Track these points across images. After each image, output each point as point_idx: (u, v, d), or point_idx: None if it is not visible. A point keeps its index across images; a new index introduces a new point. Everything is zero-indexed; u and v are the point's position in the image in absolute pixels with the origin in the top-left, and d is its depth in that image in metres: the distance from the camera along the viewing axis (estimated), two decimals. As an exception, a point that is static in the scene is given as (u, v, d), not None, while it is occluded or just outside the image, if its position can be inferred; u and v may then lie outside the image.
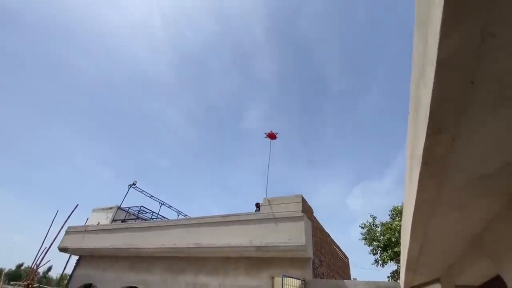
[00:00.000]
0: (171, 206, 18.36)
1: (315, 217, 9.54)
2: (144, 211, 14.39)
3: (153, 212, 14.93)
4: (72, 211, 13.85)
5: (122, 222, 12.96)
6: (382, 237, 14.64)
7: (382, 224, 15.38)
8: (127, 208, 14.32)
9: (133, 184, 15.32)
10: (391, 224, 14.38)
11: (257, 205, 9.84)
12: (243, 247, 8.24)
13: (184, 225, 9.89)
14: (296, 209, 8.32)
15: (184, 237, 9.54)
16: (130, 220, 13.23)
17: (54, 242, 13.40)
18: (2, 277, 11.31)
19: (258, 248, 8.01)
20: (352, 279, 8.29)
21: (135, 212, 14.21)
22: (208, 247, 8.85)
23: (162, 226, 10.42)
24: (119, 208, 14.10)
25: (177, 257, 10.19)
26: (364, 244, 15.46)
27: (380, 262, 14.53)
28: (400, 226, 13.83)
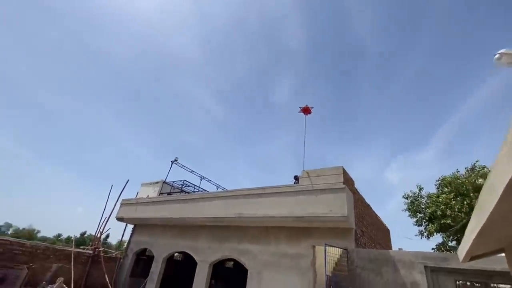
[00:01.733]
0: (210, 180, 19.33)
1: (356, 189, 9.31)
2: (187, 184, 15.37)
3: (195, 185, 15.88)
4: (124, 186, 15.30)
5: (167, 195, 14.04)
6: (427, 209, 13.92)
7: (428, 196, 14.53)
8: (172, 183, 15.39)
9: (175, 160, 16.27)
10: (437, 197, 13.53)
11: (296, 178, 9.87)
12: (283, 217, 8.44)
13: (225, 197, 10.37)
14: (336, 180, 8.16)
15: (225, 208, 10.05)
16: (175, 193, 14.26)
17: (112, 213, 15.13)
18: (73, 243, 13.17)
19: (298, 218, 8.15)
20: (398, 249, 8.11)
21: (179, 186, 15.25)
22: (249, 217, 9.24)
23: (205, 198, 11.05)
24: (164, 182, 15.22)
25: (220, 226, 10.87)
26: (408, 215, 14.90)
27: (425, 234, 13.97)
28: (448, 199, 12.99)
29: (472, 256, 4.28)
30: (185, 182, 15.22)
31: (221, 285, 14.22)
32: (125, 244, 15.62)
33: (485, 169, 13.42)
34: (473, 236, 3.45)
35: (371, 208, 11.04)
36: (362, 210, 9.64)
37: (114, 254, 14.24)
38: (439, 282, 6.22)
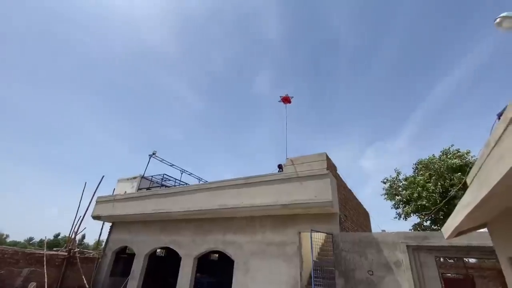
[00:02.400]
0: (191, 174, 18.84)
1: (338, 174, 9.42)
2: (167, 178, 14.82)
3: (176, 179, 15.36)
4: (100, 182, 14.45)
5: (147, 190, 13.46)
6: (404, 191, 14.57)
7: (405, 179, 15.20)
8: (151, 177, 14.77)
9: (153, 154, 15.59)
10: (414, 179, 14.18)
11: (280, 166, 9.78)
12: (269, 205, 8.35)
13: (208, 189, 10.08)
14: (320, 167, 8.16)
15: (209, 200, 9.77)
16: (155, 188, 13.69)
17: (87, 211, 14.28)
18: (45, 245, 12.30)
19: (284, 206, 8.09)
20: (381, 231, 8.35)
21: (159, 180, 14.66)
22: (234, 207, 9.05)
23: (187, 190, 10.68)
24: (142, 177, 14.56)
25: (204, 219, 10.60)
26: (385, 199, 15.53)
27: (402, 215, 14.66)
28: (424, 181, 13.63)
29: (458, 232, 4.41)
30: (165, 176, 14.66)
31: (207, 278, 14.07)
32: (103, 244, 14.89)
33: (459, 152, 14.22)
34: (468, 210, 3.46)
35: (352, 192, 11.28)
36: (345, 195, 9.81)
37: (91, 255, 13.51)
38: (420, 260, 6.47)
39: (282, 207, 8.17)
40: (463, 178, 12.73)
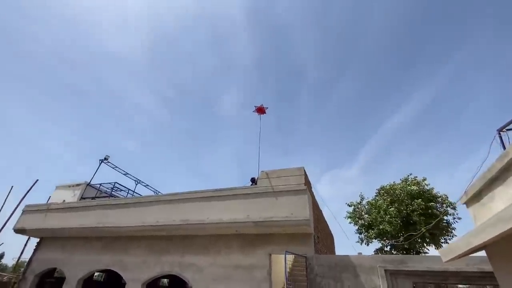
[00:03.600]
0: (148, 185, 16.93)
1: (312, 192, 9.00)
2: (118, 188, 12.91)
3: (129, 189, 13.50)
4: (31, 187, 11.98)
5: (92, 199, 11.45)
6: (367, 216, 14.79)
7: (368, 203, 15.55)
8: (98, 185, 12.72)
9: (105, 159, 13.63)
10: (376, 202, 14.54)
11: (253, 180, 9.02)
12: (239, 222, 7.45)
13: (169, 201, 8.80)
14: (297, 182, 7.64)
15: (168, 213, 8.50)
16: (102, 198, 11.74)
17: (7, 222, 11.56)
18: None
19: (256, 223, 7.27)
20: (358, 253, 7.94)
21: (108, 190, 12.69)
22: (197, 224, 7.93)
23: (142, 202, 9.22)
24: (88, 185, 12.46)
25: (160, 236, 9.15)
26: (350, 223, 15.59)
27: (364, 240, 14.74)
28: (385, 205, 14.02)
29: (459, 256, 4.10)
30: (116, 185, 12.76)
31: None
32: (26, 265, 12.05)
33: (417, 179, 15.11)
34: (479, 242, 3.15)
35: (322, 213, 10.94)
36: (317, 214, 9.37)
37: (4, 278, 10.73)
38: (398, 285, 6.10)
39: (253, 224, 7.34)
40: (421, 204, 13.39)
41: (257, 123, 10.73)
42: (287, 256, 6.58)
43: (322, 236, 9.75)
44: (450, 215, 13.90)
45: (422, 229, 11.44)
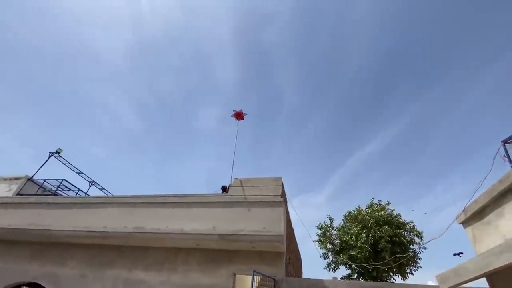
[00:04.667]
0: (104, 188, 15.10)
1: (287, 208, 8.32)
2: (66, 187, 11.17)
3: (80, 190, 11.77)
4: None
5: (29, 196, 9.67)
6: (337, 241, 14.34)
7: (339, 229, 15.21)
8: (42, 181, 10.93)
9: (57, 152, 11.88)
10: (349, 229, 14.22)
11: (224, 189, 8.12)
12: (202, 234, 6.46)
13: (122, 204, 7.58)
14: (274, 193, 6.96)
15: (120, 219, 7.26)
16: (42, 196, 9.99)
17: None
18: None
19: (222, 236, 6.34)
20: (332, 278, 7.22)
21: (54, 187, 10.92)
22: (154, 233, 6.78)
23: (89, 203, 7.86)
24: (29, 179, 10.65)
25: (105, 245, 7.74)
26: (318, 246, 15.01)
27: (332, 266, 14.15)
28: (357, 231, 13.74)
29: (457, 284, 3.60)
30: (64, 182, 11.05)
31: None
32: None
33: (381, 203, 15.20)
34: (480, 273, 2.69)
35: (294, 233, 10.23)
36: (290, 233, 8.64)
37: None
38: (375, 318, 5.46)
39: (219, 237, 6.40)
40: (389, 231, 13.27)
41: (232, 140, 9.93)
42: (248, 277, 5.70)
43: (293, 258, 8.97)
44: (416, 244, 13.92)
45: (408, 254, 11.22)
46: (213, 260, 6.90)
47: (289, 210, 8.76)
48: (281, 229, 6.12)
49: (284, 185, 7.56)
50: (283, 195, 7.17)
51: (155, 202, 7.27)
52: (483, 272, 2.56)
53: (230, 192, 7.36)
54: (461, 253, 12.66)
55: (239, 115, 10.09)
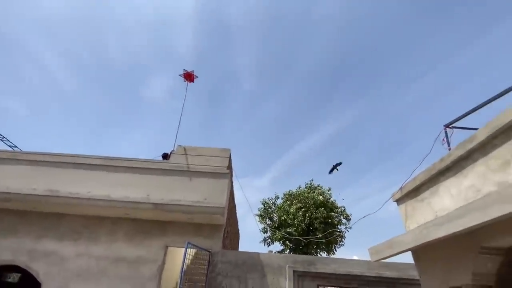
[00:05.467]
0: (15, 146, 12.57)
1: (232, 182, 8.03)
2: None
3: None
4: None
5: None
6: (277, 217, 14.94)
7: (278, 208, 15.83)
8: None
9: None
10: (288, 206, 14.89)
11: (165, 156, 7.30)
12: (134, 202, 5.73)
13: (33, 162, 6.22)
14: (221, 164, 6.53)
15: (28, 179, 5.95)
16: None
17: None
18: None
19: (157, 206, 5.72)
20: (268, 251, 7.28)
21: None
22: (72, 198, 5.75)
23: (-14, 157, 6.25)
24: None
25: (7, 210, 6.34)
26: (258, 220, 15.47)
27: (268, 241, 14.77)
28: (296, 210, 14.45)
29: (384, 257, 3.75)
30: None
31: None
32: None
33: (319, 187, 16.29)
34: (409, 246, 2.74)
35: (235, 207, 10.11)
36: (232, 207, 8.44)
37: None
38: (304, 287, 5.68)
39: (153, 207, 5.75)
40: (324, 213, 14.35)
41: (175, 128, 8.86)
42: (188, 250, 5.30)
43: (231, 232, 8.86)
44: (343, 225, 15.46)
45: (334, 230, 12.14)
46: (143, 231, 6.24)
47: (234, 185, 8.51)
48: (223, 201, 5.80)
49: (231, 158, 7.19)
50: (229, 167, 6.81)
51: (75, 163, 6.15)
52: (419, 243, 2.55)
53: (172, 159, 6.67)
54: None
55: (189, 76, 9.08)
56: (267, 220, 15.29)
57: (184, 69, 8.80)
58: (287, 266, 5.79)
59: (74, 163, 6.19)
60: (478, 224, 1.76)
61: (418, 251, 3.27)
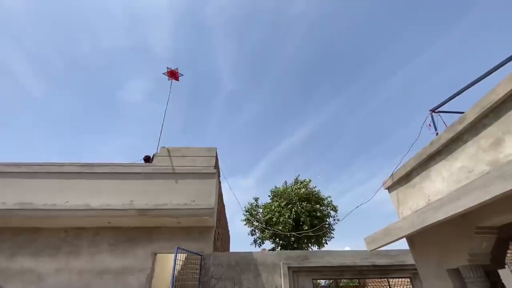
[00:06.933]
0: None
1: (220, 181, 7.83)
2: None
3: None
4: None
5: None
6: (263, 218, 14.90)
7: (264, 206, 15.79)
8: None
9: None
10: (271, 205, 14.90)
11: (147, 159, 6.94)
12: (116, 210, 5.40)
13: (3, 173, 5.70)
14: (207, 164, 6.32)
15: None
16: None
17: None
18: None
19: (142, 212, 5.43)
20: (262, 250, 7.15)
21: None
22: (47, 210, 5.32)
23: None
24: None
25: (-27, 229, 5.77)
26: (245, 224, 15.36)
27: (258, 241, 14.69)
28: (280, 207, 14.46)
29: (381, 246, 3.74)
30: None
31: None
32: None
33: (306, 181, 16.34)
34: (405, 233, 2.72)
35: (225, 207, 9.91)
36: (221, 207, 8.24)
37: None
38: (299, 283, 5.62)
39: (137, 213, 5.46)
40: (308, 206, 14.45)
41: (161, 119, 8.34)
42: (178, 255, 5.07)
43: (222, 234, 8.65)
44: (331, 217, 15.64)
45: (323, 224, 12.19)
46: (129, 239, 5.92)
47: (222, 186, 8.31)
48: (212, 202, 5.61)
49: (218, 157, 6.99)
50: (216, 167, 6.60)
51: (49, 172, 5.70)
52: (417, 228, 2.51)
53: (155, 162, 6.36)
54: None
55: (173, 74, 8.74)
56: (254, 222, 15.21)
57: (167, 67, 8.46)
58: (281, 263, 5.71)
59: (47, 172, 5.74)
60: (480, 203, 1.74)
61: (413, 237, 3.28)
